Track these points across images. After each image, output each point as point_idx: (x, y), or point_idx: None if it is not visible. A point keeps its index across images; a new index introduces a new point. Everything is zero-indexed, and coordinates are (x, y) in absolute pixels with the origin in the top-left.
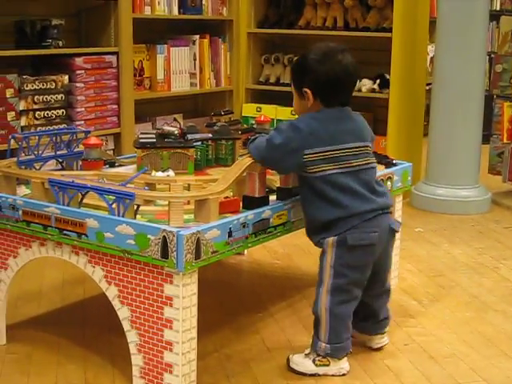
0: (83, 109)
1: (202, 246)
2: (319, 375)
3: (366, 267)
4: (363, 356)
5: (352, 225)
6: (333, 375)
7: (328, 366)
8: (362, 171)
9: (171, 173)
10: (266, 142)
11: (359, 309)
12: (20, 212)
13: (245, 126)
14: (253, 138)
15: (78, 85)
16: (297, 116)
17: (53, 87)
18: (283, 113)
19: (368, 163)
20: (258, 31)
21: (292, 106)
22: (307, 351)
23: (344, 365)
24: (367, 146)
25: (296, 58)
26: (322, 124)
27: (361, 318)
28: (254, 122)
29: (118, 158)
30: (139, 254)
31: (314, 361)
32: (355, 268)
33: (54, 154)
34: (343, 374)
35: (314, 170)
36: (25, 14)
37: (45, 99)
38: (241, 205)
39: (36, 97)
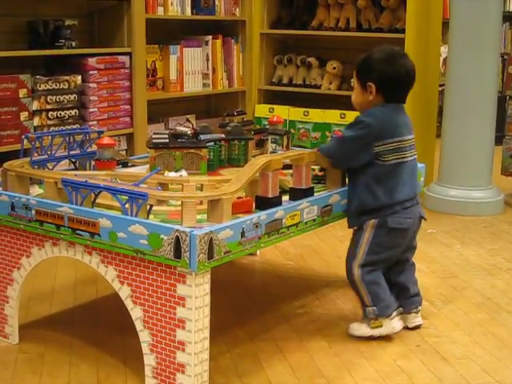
0: (96, 109)
1: (214, 246)
2: (374, 337)
3: (398, 248)
4: (376, 357)
5: (394, 211)
6: (387, 335)
7: (381, 326)
8: (412, 162)
9: (184, 173)
10: (339, 139)
11: (390, 288)
12: (33, 212)
13: (257, 126)
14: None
15: (90, 85)
16: (356, 107)
17: (66, 87)
18: (296, 113)
19: (415, 155)
20: (270, 32)
21: (304, 107)
22: (362, 319)
23: (395, 324)
24: (413, 139)
25: (361, 56)
26: (387, 117)
27: (394, 296)
28: (266, 122)
29: (130, 158)
30: (152, 253)
31: (368, 325)
32: (388, 248)
33: (67, 154)
34: (396, 332)
35: (384, 159)
36: (38, 14)
37: (58, 99)
38: (253, 205)
39: (49, 97)
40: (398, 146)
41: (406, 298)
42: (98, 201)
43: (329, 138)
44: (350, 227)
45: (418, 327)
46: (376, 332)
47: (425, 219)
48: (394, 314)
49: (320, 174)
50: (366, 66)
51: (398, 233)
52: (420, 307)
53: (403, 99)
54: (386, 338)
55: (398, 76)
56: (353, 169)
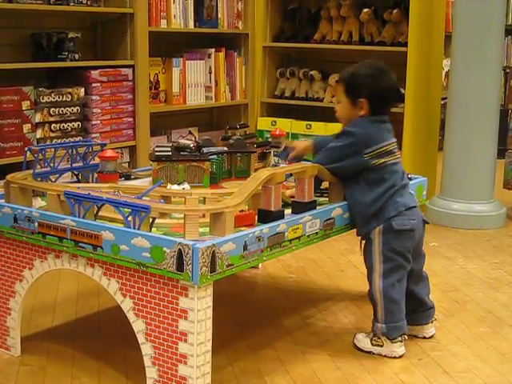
0: (99, 121)
1: (217, 259)
2: (374, 353)
3: (409, 252)
4: (377, 370)
5: (398, 212)
6: (385, 356)
7: (381, 346)
8: (400, 163)
9: (187, 186)
10: (328, 149)
11: (407, 300)
12: (36, 224)
13: (260, 139)
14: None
15: (93, 97)
16: (342, 121)
17: (69, 100)
18: (298, 126)
19: (399, 157)
20: (273, 45)
21: (306, 120)
22: (368, 330)
23: (397, 349)
24: (395, 142)
25: (346, 71)
26: (372, 125)
27: (410, 311)
28: (269, 135)
29: (133, 170)
30: (154, 266)
31: (371, 340)
32: (399, 253)
33: (69, 166)
34: (394, 357)
35: (377, 163)
36: (41, 26)
37: (61, 112)
38: (256, 218)
39: (52, 109)
40: (387, 149)
41: (422, 311)
42: (100, 213)
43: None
44: (358, 235)
45: (433, 336)
46: (375, 350)
47: (427, 223)
48: (399, 338)
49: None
50: (357, 82)
51: (404, 235)
52: (435, 317)
53: (388, 112)
54: None
55: (388, 91)
56: (349, 177)
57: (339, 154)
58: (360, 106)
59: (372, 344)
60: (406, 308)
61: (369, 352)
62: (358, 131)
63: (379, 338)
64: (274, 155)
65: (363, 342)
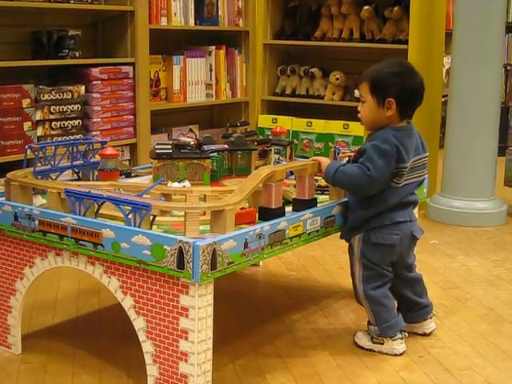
0: (99, 119)
1: (217, 256)
2: (374, 351)
3: (387, 265)
4: (379, 368)
5: (381, 224)
6: (386, 353)
7: (382, 344)
8: (417, 182)
9: (187, 183)
10: (363, 175)
11: (399, 301)
12: (36, 222)
13: (260, 137)
14: (339, 165)
15: (94, 95)
16: (366, 124)
17: (69, 97)
18: (299, 124)
19: (422, 175)
20: (274, 42)
21: (307, 117)
22: (366, 329)
23: (398, 346)
24: (424, 158)
25: (371, 69)
26: (401, 142)
27: (404, 311)
28: (269, 133)
29: (133, 168)
30: (155, 264)
31: (371, 338)
32: (377, 264)
33: (70, 164)
34: (395, 354)
35: (398, 182)
36: (42, 24)
37: (61, 109)
38: (257, 216)
39: (52, 107)
40: (411, 166)
41: (416, 310)
42: (101, 211)
43: (332, 150)
44: (341, 238)
45: (433, 331)
46: (376, 347)
47: (417, 238)
48: (398, 335)
49: (323, 184)
50: (385, 80)
51: (382, 249)
52: (433, 312)
53: (413, 114)
54: None
55: (416, 91)
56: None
57: (374, 181)
58: (387, 106)
59: (373, 342)
60: (400, 308)
61: (369, 350)
62: (388, 149)
63: (379, 337)
64: (275, 153)
65: (363, 339)
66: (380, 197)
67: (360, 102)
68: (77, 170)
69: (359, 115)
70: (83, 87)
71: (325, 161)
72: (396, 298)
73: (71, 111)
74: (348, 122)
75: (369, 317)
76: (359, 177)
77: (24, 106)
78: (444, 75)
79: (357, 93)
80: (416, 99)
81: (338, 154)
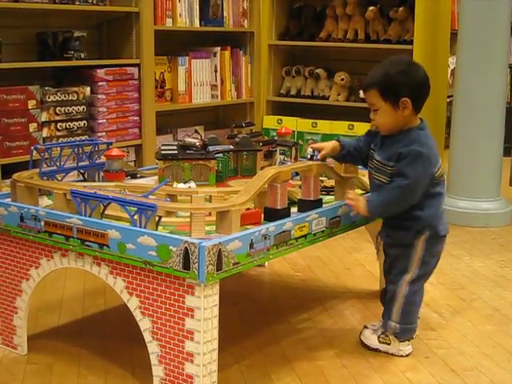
0: (105, 120)
1: (223, 257)
2: (380, 351)
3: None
4: (384, 369)
5: (442, 215)
6: (392, 354)
7: (389, 344)
8: None
9: (193, 184)
10: (401, 191)
11: None
12: (42, 223)
13: (266, 137)
14: (376, 200)
15: (99, 96)
16: (384, 128)
17: (74, 99)
18: (304, 125)
19: None
20: (279, 43)
21: (312, 118)
22: (375, 327)
23: (404, 348)
24: None
25: (374, 75)
26: (432, 141)
27: None
28: (275, 133)
29: (139, 169)
30: (161, 265)
31: (378, 337)
32: (436, 257)
33: (75, 165)
34: (401, 356)
35: (439, 175)
36: (47, 26)
37: (67, 111)
38: (262, 216)
39: (58, 108)
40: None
41: None
42: (106, 212)
43: (308, 154)
44: (403, 244)
45: None
46: (382, 347)
47: None
48: (407, 340)
49: (328, 185)
50: (394, 82)
51: (444, 239)
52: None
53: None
54: None
55: (424, 83)
56: None
57: (422, 180)
58: (403, 106)
59: (379, 341)
60: None
61: (375, 349)
62: (424, 150)
63: (387, 336)
64: (280, 153)
65: (370, 338)
66: (434, 191)
67: (371, 111)
68: (82, 171)
69: (373, 123)
70: (88, 88)
71: (361, 203)
72: None
73: (77, 112)
74: (353, 123)
75: (393, 314)
76: (400, 191)
77: (30, 108)
78: (449, 75)
79: (362, 93)
80: (426, 91)
81: (310, 158)
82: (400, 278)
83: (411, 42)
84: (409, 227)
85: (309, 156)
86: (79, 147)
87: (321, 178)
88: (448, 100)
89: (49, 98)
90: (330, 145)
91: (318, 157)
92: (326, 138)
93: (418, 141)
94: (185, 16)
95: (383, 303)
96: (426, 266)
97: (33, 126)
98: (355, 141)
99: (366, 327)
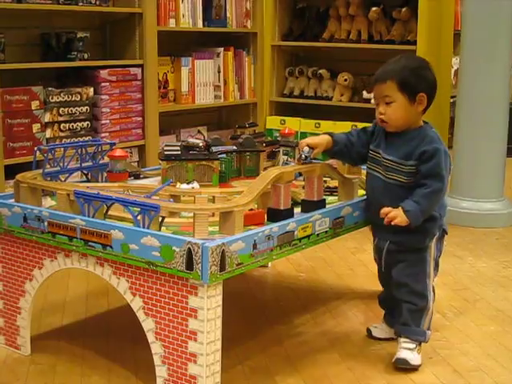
0: (108, 121)
1: (226, 258)
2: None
3: None
4: (388, 370)
5: (445, 213)
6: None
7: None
8: None
9: (196, 185)
10: (437, 190)
11: (396, 309)
12: (45, 223)
13: (269, 138)
14: (415, 208)
15: (102, 97)
16: (397, 123)
17: (78, 99)
18: (307, 125)
19: None
20: (282, 44)
21: (315, 119)
22: (410, 346)
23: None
24: None
25: (393, 68)
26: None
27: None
28: (278, 134)
29: (142, 170)
30: (164, 265)
31: (418, 352)
32: (441, 252)
33: (79, 165)
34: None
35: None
36: (50, 26)
37: (70, 111)
38: (265, 217)
39: (61, 109)
40: None
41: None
42: (110, 213)
43: (304, 149)
44: (415, 248)
45: None
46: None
47: None
48: None
49: (332, 185)
50: (413, 77)
51: (445, 236)
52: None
53: None
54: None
55: (436, 83)
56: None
57: (446, 178)
58: (419, 101)
59: (418, 353)
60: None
61: (420, 365)
62: (443, 147)
63: (419, 345)
64: (283, 154)
65: (416, 358)
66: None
67: (381, 105)
68: (86, 172)
69: (383, 117)
70: (92, 89)
71: (402, 218)
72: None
73: (80, 113)
74: (356, 123)
75: (424, 322)
76: (437, 195)
77: (33, 108)
78: (452, 76)
79: (365, 94)
80: (436, 91)
81: (305, 158)
82: (426, 286)
83: (414, 43)
84: (426, 230)
85: (303, 156)
86: (82, 148)
87: (324, 179)
88: (451, 100)
89: (52, 98)
90: (324, 141)
91: (312, 155)
92: None
93: (435, 138)
94: (188, 17)
95: (384, 307)
96: (437, 266)
97: (36, 127)
98: (346, 136)
99: (398, 358)
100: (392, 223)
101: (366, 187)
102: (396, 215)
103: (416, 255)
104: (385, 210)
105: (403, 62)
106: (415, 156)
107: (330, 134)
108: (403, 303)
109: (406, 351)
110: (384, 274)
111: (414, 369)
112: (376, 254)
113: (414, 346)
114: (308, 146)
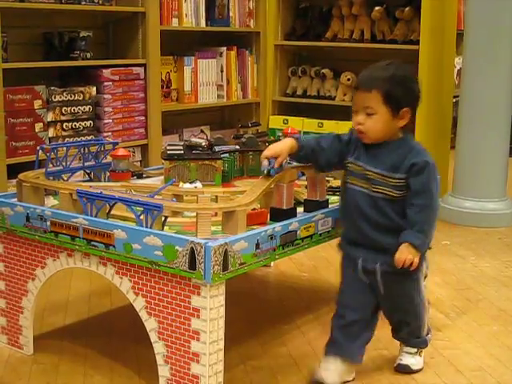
0: (111, 120)
1: (229, 257)
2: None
3: None
4: (390, 369)
5: None
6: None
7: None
8: None
9: (199, 184)
10: (432, 207)
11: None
12: (48, 223)
13: (272, 137)
14: (420, 240)
15: (105, 96)
16: (375, 136)
17: (80, 99)
18: (310, 125)
19: None
20: (285, 43)
21: (318, 118)
22: (411, 351)
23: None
24: None
25: (377, 76)
26: None
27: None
28: (281, 133)
29: (145, 169)
30: (167, 265)
31: (420, 355)
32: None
33: (81, 165)
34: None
35: None
36: (53, 26)
37: (72, 110)
38: (268, 217)
39: (64, 108)
40: None
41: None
42: (112, 212)
43: (264, 163)
44: (414, 268)
45: None
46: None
47: None
48: None
49: (335, 185)
50: (401, 89)
51: None
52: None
53: None
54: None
55: (419, 96)
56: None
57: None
58: (401, 116)
59: (420, 355)
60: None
61: (421, 369)
62: (432, 161)
63: (422, 348)
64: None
65: (419, 361)
66: None
67: (361, 114)
68: (88, 171)
69: (362, 127)
70: (94, 88)
71: (414, 257)
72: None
73: (82, 112)
74: None
75: (424, 329)
76: (433, 212)
77: (35, 107)
78: (455, 76)
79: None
80: (418, 105)
81: (268, 173)
82: (422, 302)
83: (417, 42)
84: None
85: (265, 171)
86: (85, 147)
87: (327, 178)
88: (454, 100)
89: (55, 97)
90: (286, 147)
91: (275, 165)
92: None
93: (423, 151)
94: (191, 16)
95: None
96: (425, 277)
97: (39, 126)
98: (314, 141)
99: (400, 364)
100: (412, 267)
101: (345, 203)
102: (411, 259)
103: (409, 274)
104: (399, 259)
105: (392, 70)
106: (404, 168)
107: (296, 138)
108: (402, 323)
109: (408, 356)
110: (383, 296)
111: (413, 371)
112: (364, 277)
113: (415, 350)
114: (267, 158)
